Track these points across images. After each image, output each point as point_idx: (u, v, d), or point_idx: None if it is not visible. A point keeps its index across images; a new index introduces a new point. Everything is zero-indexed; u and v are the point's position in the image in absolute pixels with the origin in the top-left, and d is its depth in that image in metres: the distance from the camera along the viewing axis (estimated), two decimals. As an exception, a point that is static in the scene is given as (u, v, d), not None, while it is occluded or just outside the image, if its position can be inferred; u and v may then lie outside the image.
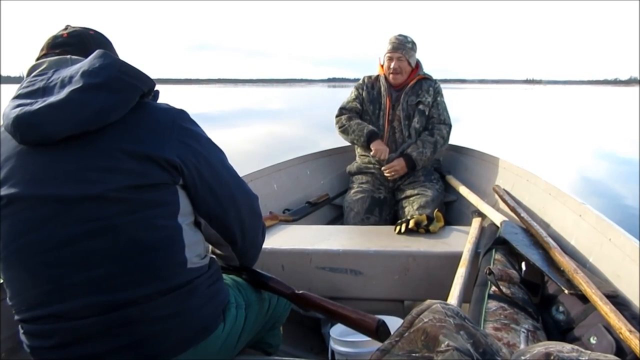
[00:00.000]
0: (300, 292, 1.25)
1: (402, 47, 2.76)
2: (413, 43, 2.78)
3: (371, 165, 2.77)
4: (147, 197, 0.96)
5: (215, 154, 1.10)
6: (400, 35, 2.79)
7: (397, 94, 2.79)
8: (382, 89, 2.81)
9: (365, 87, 2.88)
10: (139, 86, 0.99)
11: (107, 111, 0.95)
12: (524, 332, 1.19)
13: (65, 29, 1.16)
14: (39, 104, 0.95)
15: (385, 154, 2.65)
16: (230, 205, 1.11)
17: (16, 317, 1.00)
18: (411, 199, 2.59)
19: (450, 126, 2.80)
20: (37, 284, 0.95)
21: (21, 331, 1.00)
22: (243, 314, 1.17)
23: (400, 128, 2.74)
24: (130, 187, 0.95)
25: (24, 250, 0.95)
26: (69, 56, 1.07)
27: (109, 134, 0.96)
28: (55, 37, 1.14)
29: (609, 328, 1.17)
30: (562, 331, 1.32)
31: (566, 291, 1.37)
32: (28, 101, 0.97)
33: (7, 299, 1.00)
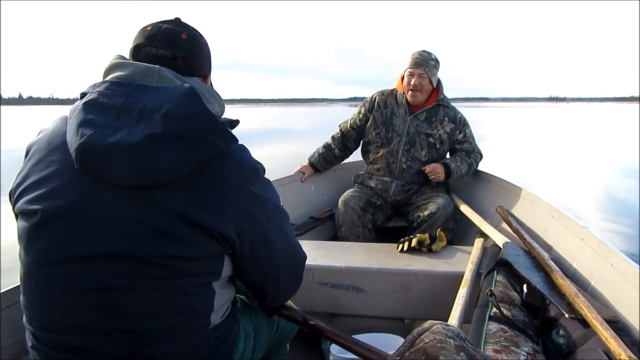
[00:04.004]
0: (313, 322, 1.22)
1: (425, 63, 2.62)
2: (437, 61, 2.66)
3: (372, 183, 2.77)
4: (189, 267, 0.92)
5: (276, 221, 1.04)
6: (424, 51, 2.66)
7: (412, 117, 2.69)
8: (399, 110, 2.71)
9: (375, 107, 2.77)
10: (220, 146, 0.92)
11: (178, 168, 0.88)
12: (523, 355, 1.20)
13: (180, 24, 1.05)
14: (110, 135, 0.86)
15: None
16: (272, 276, 1.08)
17: (27, 327, 0.98)
18: (422, 206, 2.60)
19: (481, 155, 2.83)
20: (56, 313, 0.92)
21: (29, 343, 0.98)
22: (252, 344, 1.16)
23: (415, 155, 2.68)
24: (176, 257, 0.90)
25: (55, 279, 0.91)
26: (157, 67, 0.96)
27: (170, 190, 0.89)
28: (172, 33, 1.02)
29: (608, 353, 1.17)
30: (562, 355, 1.32)
31: (567, 315, 1.37)
32: (100, 121, 0.88)
33: (22, 307, 0.98)
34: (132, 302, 0.90)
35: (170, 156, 0.86)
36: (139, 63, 0.97)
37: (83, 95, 0.94)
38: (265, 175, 1.05)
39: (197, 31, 1.07)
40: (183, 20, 1.08)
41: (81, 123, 0.89)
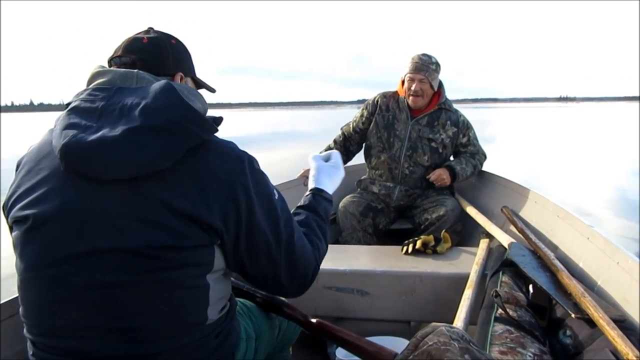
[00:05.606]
0: (315, 320, 1.23)
1: (426, 68, 2.57)
2: (437, 64, 2.61)
3: (375, 189, 2.75)
4: (181, 257, 0.91)
5: (264, 208, 1.00)
6: (424, 55, 2.61)
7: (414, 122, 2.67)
8: (401, 115, 2.69)
9: (377, 110, 2.74)
10: (200, 135, 0.92)
11: (160, 159, 0.89)
12: (530, 356, 1.19)
13: (147, 32, 1.10)
14: (92, 134, 0.89)
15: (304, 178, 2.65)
16: (269, 268, 1.04)
17: (27, 335, 0.98)
18: (429, 209, 2.59)
19: (485, 156, 2.83)
20: (54, 316, 0.93)
21: (30, 352, 0.98)
22: (253, 346, 1.15)
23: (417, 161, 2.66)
24: (167, 247, 0.90)
25: (50, 282, 0.91)
26: (136, 71, 1.00)
27: (155, 182, 0.90)
28: (134, 40, 1.08)
29: (616, 353, 1.16)
30: (569, 356, 1.31)
31: (573, 315, 1.36)
32: (83, 123, 0.91)
33: (21, 315, 0.98)
34: (128, 298, 0.90)
35: (150, 147, 0.88)
36: (118, 69, 1.01)
37: (68, 104, 0.98)
38: (271, 176, 1.05)
39: (165, 35, 1.11)
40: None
41: (65, 127, 0.92)
